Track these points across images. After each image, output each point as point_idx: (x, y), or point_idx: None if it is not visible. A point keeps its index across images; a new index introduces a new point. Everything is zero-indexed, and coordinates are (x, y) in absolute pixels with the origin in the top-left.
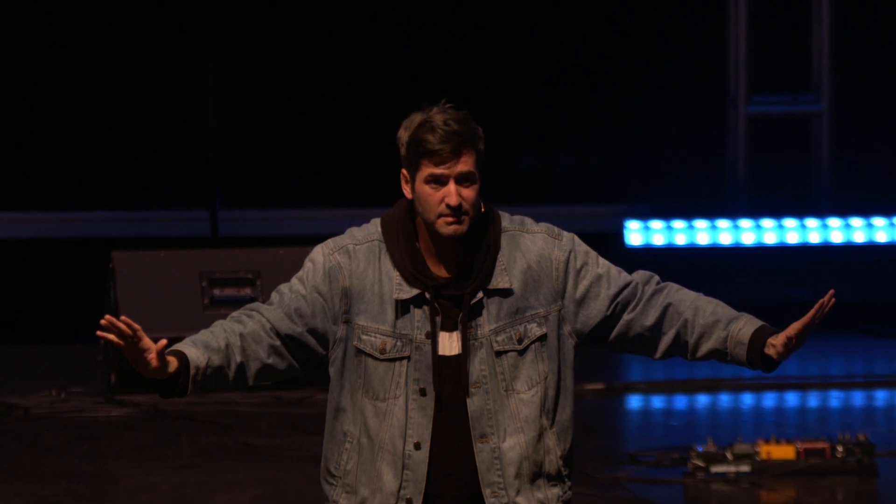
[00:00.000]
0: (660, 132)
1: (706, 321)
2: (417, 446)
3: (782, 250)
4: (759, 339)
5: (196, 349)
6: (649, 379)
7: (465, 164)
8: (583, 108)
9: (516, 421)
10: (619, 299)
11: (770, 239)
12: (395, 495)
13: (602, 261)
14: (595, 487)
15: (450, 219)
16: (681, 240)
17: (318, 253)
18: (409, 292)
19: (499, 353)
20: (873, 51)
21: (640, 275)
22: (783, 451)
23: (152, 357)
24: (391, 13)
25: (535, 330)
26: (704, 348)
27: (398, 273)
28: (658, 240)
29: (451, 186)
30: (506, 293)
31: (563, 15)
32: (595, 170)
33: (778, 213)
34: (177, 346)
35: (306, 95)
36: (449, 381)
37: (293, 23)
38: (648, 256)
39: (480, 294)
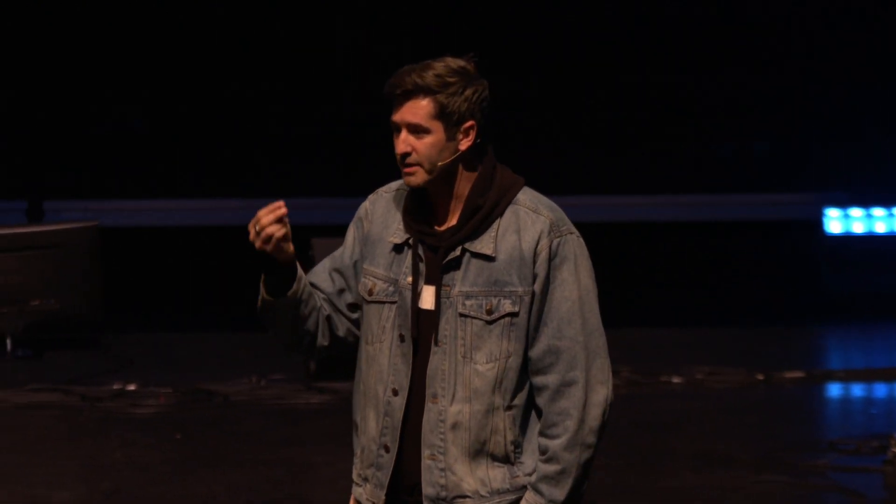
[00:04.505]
0: (859, 119)
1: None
2: (395, 392)
3: None
4: None
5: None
6: (848, 367)
7: (413, 114)
8: (781, 96)
9: (466, 390)
10: (538, 331)
11: None
12: (376, 441)
13: (575, 288)
14: (794, 475)
15: (403, 168)
16: (881, 227)
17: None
18: (402, 237)
19: (463, 316)
20: None
21: (565, 358)
22: None
23: (289, 245)
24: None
25: (507, 306)
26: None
27: (402, 219)
28: (857, 228)
29: (402, 134)
30: (488, 259)
31: (766, 4)
32: (793, 157)
33: None
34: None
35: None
36: (424, 335)
37: None
38: (848, 244)
39: (458, 251)
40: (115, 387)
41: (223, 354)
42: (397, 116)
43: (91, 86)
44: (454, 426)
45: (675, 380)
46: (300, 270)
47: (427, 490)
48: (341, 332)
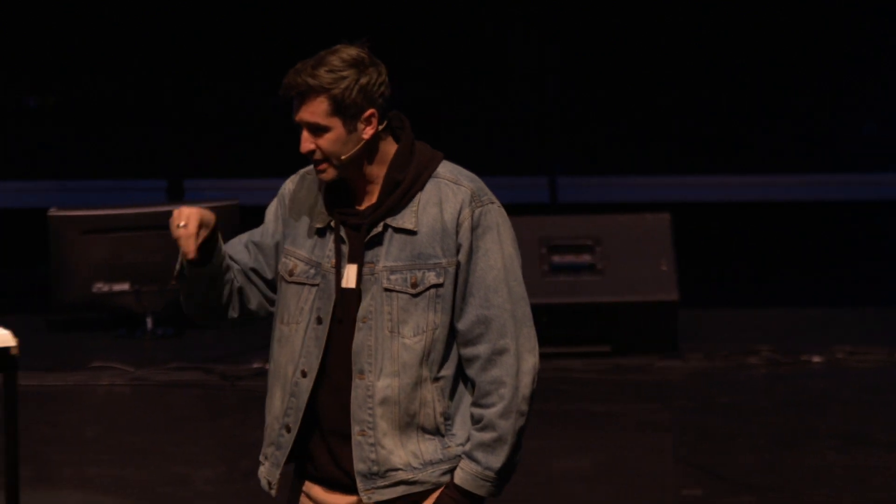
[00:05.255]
0: None
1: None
2: (304, 374)
3: None
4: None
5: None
6: None
7: (310, 114)
8: None
9: (394, 364)
10: (463, 302)
11: None
12: (279, 420)
13: (499, 257)
14: None
15: (314, 166)
16: None
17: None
18: (324, 221)
19: (388, 291)
20: None
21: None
22: None
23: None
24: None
25: (431, 278)
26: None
27: (322, 202)
28: None
29: (303, 133)
30: (410, 233)
31: None
32: None
33: None
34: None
35: (636, 60)
36: (348, 314)
37: None
38: None
39: (380, 227)
40: (255, 366)
41: None
42: (297, 117)
43: (235, 65)
44: (383, 401)
45: (816, 359)
46: (221, 239)
47: (358, 466)
48: (253, 305)
